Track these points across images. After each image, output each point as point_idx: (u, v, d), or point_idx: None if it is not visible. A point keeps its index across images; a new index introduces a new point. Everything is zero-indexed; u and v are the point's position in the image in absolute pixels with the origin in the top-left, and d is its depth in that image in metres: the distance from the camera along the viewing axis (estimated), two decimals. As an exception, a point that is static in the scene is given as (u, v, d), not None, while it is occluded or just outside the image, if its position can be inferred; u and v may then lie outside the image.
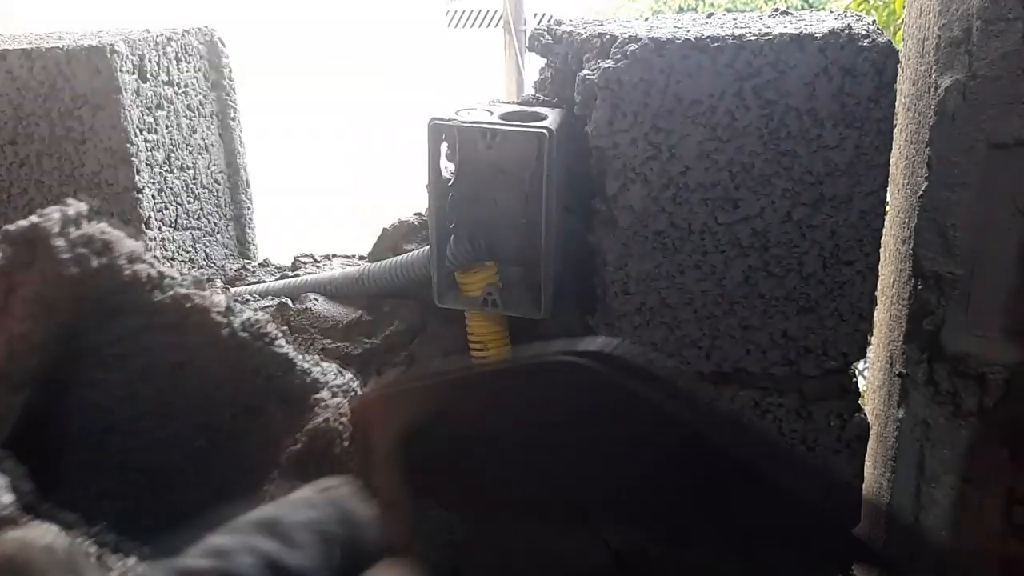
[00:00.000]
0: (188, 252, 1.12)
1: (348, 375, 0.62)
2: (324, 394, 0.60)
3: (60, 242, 0.52)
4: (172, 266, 0.64)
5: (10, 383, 0.52)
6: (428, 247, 0.93)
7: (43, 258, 0.53)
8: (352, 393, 0.60)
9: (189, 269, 1.12)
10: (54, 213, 0.53)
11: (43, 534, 0.37)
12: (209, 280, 1.08)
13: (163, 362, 0.59)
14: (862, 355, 0.91)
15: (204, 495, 0.55)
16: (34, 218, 0.54)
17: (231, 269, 1.19)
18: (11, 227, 0.54)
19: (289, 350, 0.62)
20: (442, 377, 0.55)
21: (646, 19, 0.98)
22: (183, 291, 0.58)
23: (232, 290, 1.11)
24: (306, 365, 0.62)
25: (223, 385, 0.60)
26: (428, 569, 0.42)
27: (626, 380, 0.46)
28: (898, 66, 0.81)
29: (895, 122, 0.85)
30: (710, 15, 0.96)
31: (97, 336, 0.57)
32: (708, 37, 0.81)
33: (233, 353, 0.60)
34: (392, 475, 0.49)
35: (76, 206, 0.54)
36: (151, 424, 0.59)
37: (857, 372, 0.99)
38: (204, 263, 1.16)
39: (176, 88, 1.09)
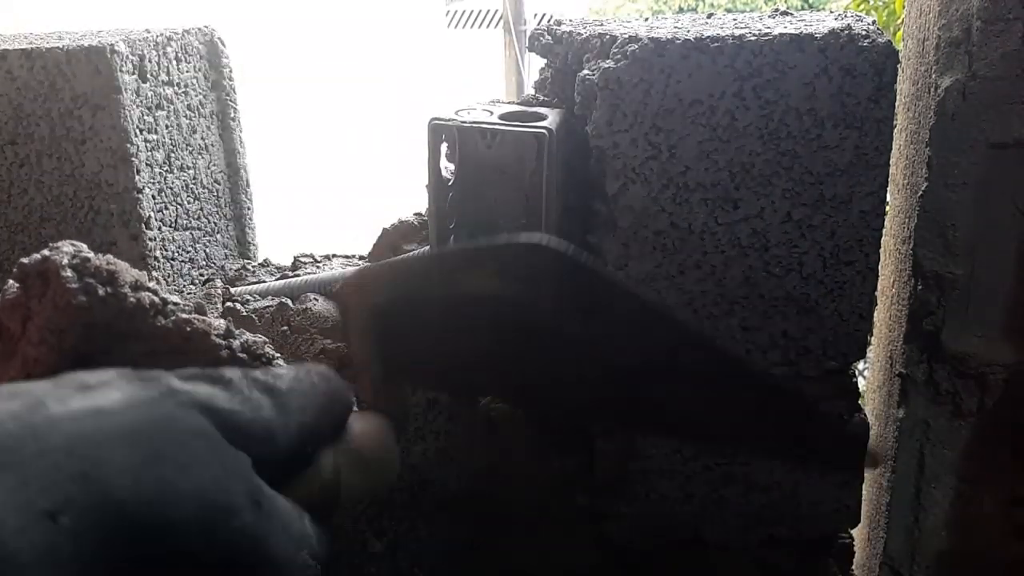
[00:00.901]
0: (188, 252, 1.12)
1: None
2: None
3: (69, 273, 0.57)
4: (174, 291, 0.71)
5: None
6: (428, 247, 0.93)
7: (54, 288, 0.58)
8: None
9: (189, 270, 1.12)
10: (64, 246, 0.60)
11: None
12: (208, 296, 1.10)
13: None
14: (862, 355, 0.91)
15: None
16: (45, 252, 0.60)
17: (231, 269, 1.19)
18: (25, 260, 0.59)
19: (284, 370, 0.67)
20: (411, 258, 0.58)
21: (646, 19, 0.98)
22: (184, 316, 0.63)
23: (232, 290, 1.11)
24: None
25: None
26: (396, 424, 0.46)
27: (589, 263, 0.50)
28: (898, 66, 0.81)
29: (895, 122, 0.86)
30: (710, 15, 0.96)
31: (105, 361, 0.61)
32: (708, 37, 0.81)
33: None
34: (364, 347, 0.52)
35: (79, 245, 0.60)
36: None
37: (857, 372, 0.99)
38: (204, 263, 1.16)
39: (176, 88, 1.09)
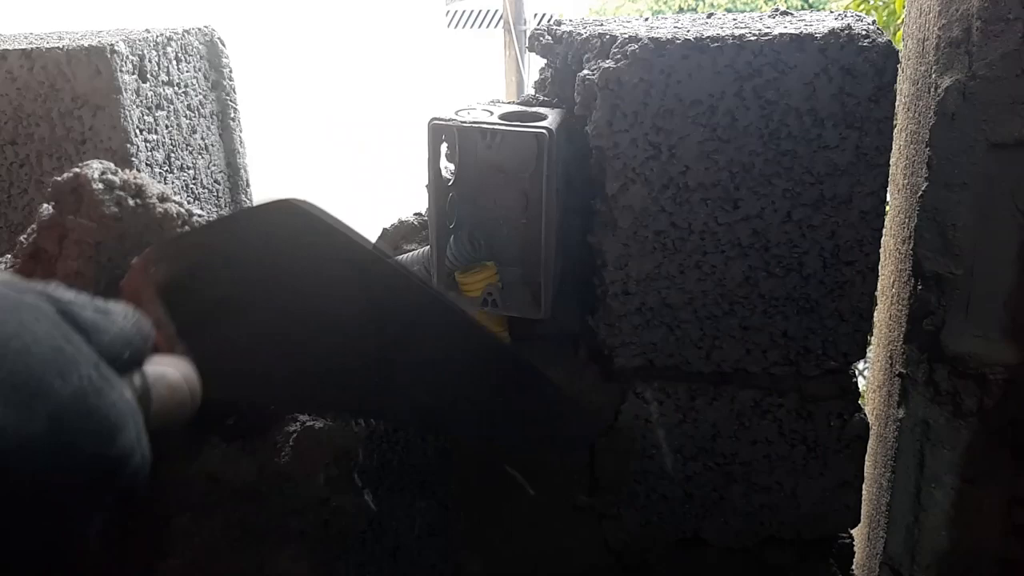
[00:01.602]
0: (188, 252, 1.12)
1: None
2: None
3: (99, 186, 0.61)
4: (197, 204, 0.76)
5: None
6: (428, 247, 0.93)
7: (87, 202, 0.61)
8: None
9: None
10: (93, 163, 0.62)
11: None
12: None
13: None
14: (862, 355, 0.91)
15: None
16: (76, 169, 0.63)
17: (231, 269, 1.19)
18: (58, 178, 0.62)
19: None
20: (183, 237, 0.61)
21: (646, 19, 0.98)
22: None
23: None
24: None
25: None
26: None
27: (336, 221, 0.54)
28: (898, 66, 0.81)
29: (895, 122, 0.86)
30: (710, 15, 0.96)
31: None
32: (708, 37, 0.81)
33: None
34: (157, 315, 0.57)
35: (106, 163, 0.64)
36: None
37: (857, 372, 0.99)
38: (204, 263, 1.16)
39: (176, 88, 1.09)
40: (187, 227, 0.64)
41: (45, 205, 0.62)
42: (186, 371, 0.51)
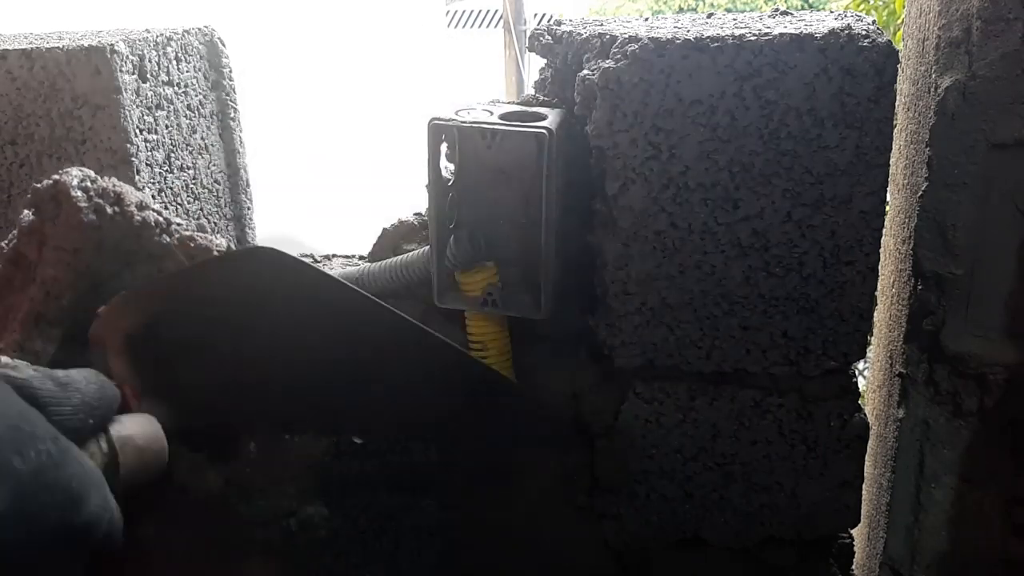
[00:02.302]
0: (188, 252, 1.12)
1: None
2: None
3: (79, 193, 0.61)
4: (175, 212, 0.79)
5: (46, 320, 0.60)
6: (428, 247, 0.93)
7: (66, 209, 0.61)
8: None
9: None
10: (72, 171, 0.63)
11: None
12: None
13: None
14: (862, 355, 0.91)
15: None
16: (56, 176, 0.63)
17: (231, 269, 1.19)
18: (38, 185, 0.63)
19: None
20: (154, 284, 0.63)
21: (646, 19, 0.98)
22: (187, 233, 0.67)
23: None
24: None
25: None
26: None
27: (307, 266, 0.56)
28: (898, 66, 0.81)
29: (895, 122, 0.85)
30: (710, 15, 0.96)
31: (121, 281, 0.65)
32: (708, 37, 0.81)
33: None
34: (123, 369, 0.59)
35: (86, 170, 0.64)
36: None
37: (857, 372, 0.99)
38: (204, 263, 1.16)
39: (176, 88, 1.09)
40: (165, 236, 0.64)
41: (26, 211, 0.63)
42: (153, 431, 0.52)
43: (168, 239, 0.65)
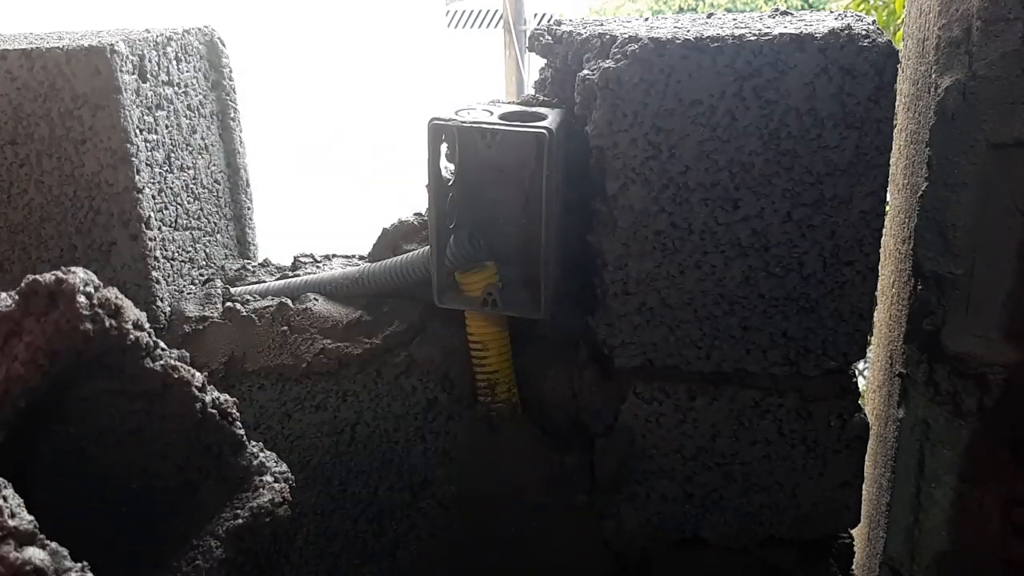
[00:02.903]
0: (188, 252, 1.12)
1: (284, 465, 0.71)
2: (267, 478, 0.68)
3: (83, 299, 0.58)
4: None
5: None
6: (428, 247, 0.93)
7: (65, 310, 0.58)
8: (290, 481, 0.70)
9: (189, 269, 1.12)
10: (79, 272, 0.61)
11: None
12: (208, 296, 1.11)
13: (120, 427, 0.66)
14: (862, 355, 0.91)
15: (113, 561, 0.61)
16: (59, 273, 0.60)
17: (231, 269, 1.19)
18: (40, 278, 0.60)
19: (242, 433, 0.70)
20: None
21: (646, 19, 0.98)
22: (171, 362, 0.65)
23: (232, 290, 1.11)
24: (254, 449, 0.70)
25: (172, 456, 0.68)
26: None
27: None
28: (898, 66, 0.81)
29: (895, 122, 0.85)
30: (710, 15, 0.96)
31: (76, 391, 0.63)
32: (708, 37, 0.81)
33: (196, 428, 0.67)
34: None
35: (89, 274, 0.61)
36: (83, 484, 0.66)
37: (857, 372, 0.99)
38: (204, 263, 1.16)
39: (176, 88, 1.09)
40: (149, 359, 0.63)
41: (5, 295, 0.59)
42: None
43: (151, 363, 0.63)
